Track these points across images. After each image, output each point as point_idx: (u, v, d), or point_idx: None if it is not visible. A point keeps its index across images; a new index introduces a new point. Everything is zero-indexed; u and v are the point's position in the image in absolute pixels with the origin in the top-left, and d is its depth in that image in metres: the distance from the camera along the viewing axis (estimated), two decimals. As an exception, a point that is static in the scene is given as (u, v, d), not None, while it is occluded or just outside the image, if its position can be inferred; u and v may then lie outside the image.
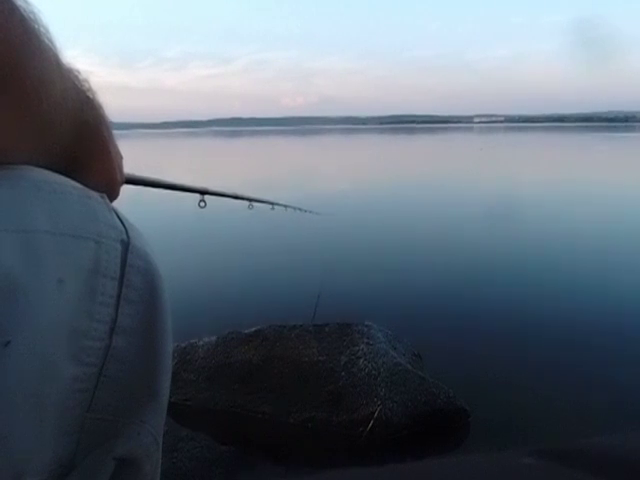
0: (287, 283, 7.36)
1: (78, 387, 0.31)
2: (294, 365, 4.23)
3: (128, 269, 0.34)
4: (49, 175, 0.34)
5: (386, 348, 4.32)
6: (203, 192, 1.88)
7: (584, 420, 3.82)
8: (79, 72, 0.40)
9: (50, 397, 0.30)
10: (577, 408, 4.07)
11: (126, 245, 0.35)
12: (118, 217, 0.36)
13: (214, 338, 4.66)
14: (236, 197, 2.54)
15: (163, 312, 0.37)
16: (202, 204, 1.84)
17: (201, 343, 4.66)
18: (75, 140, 0.38)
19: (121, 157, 0.46)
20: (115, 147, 0.43)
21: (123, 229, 0.35)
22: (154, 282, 0.36)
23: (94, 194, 0.36)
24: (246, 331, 4.62)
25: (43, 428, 0.30)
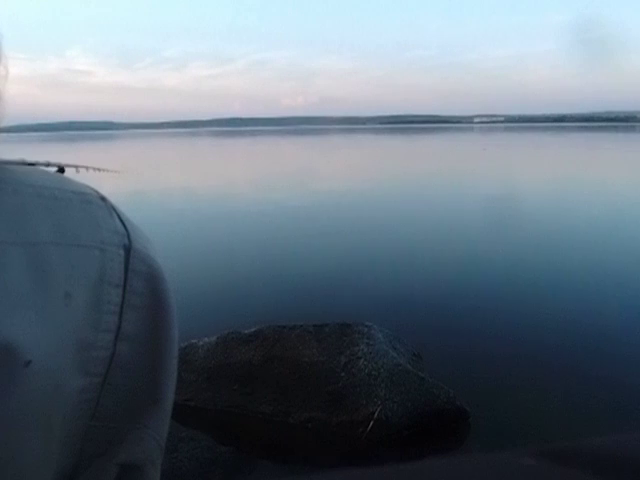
0: (287, 283, 7.36)
1: (84, 398, 0.31)
2: (294, 365, 4.23)
3: (130, 274, 0.34)
4: (47, 176, 0.34)
5: (386, 348, 4.32)
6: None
7: (584, 420, 3.82)
8: None
9: (59, 411, 0.30)
10: (577, 408, 4.06)
11: (128, 250, 0.34)
12: (120, 219, 0.36)
13: (214, 338, 4.66)
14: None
15: (167, 316, 0.37)
16: None
17: (201, 343, 4.66)
18: None
19: None
20: None
21: (125, 232, 0.35)
22: (157, 286, 0.36)
23: (94, 197, 0.35)
24: (246, 331, 4.62)
25: (50, 441, 0.30)
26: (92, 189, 0.36)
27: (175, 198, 16.74)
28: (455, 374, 4.45)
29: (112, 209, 0.36)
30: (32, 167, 0.34)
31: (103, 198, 0.36)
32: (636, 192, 16.72)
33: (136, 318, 0.34)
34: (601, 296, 6.75)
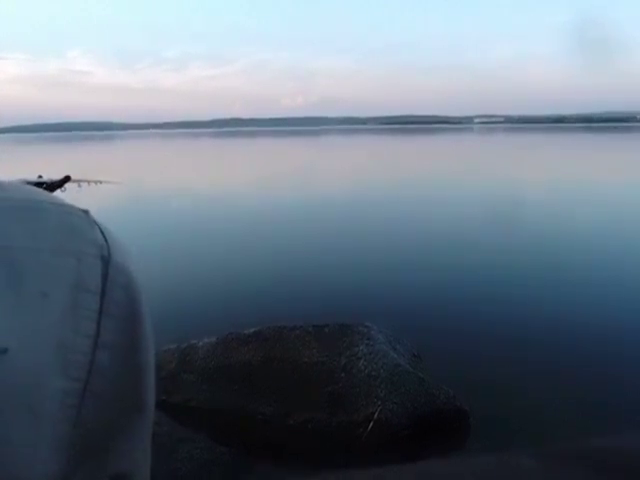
0: (287, 283, 7.36)
1: (67, 402, 0.31)
2: (294, 366, 4.23)
3: (109, 284, 0.34)
4: (27, 190, 0.34)
5: (386, 349, 4.32)
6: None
7: (584, 420, 3.82)
8: None
9: (44, 411, 0.30)
10: (577, 408, 4.06)
11: (107, 261, 0.35)
12: (101, 231, 0.36)
13: (214, 339, 4.66)
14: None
15: (144, 326, 0.37)
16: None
17: (201, 344, 4.66)
18: None
19: None
20: None
21: (105, 244, 0.35)
22: (135, 297, 0.36)
23: (75, 209, 0.36)
24: (246, 332, 4.61)
25: (39, 442, 0.30)
26: (73, 204, 0.37)
27: (174, 201, 16.75)
28: (455, 375, 4.44)
29: (93, 222, 0.36)
30: (8, 182, 0.35)
31: (85, 211, 0.36)
32: (634, 192, 16.72)
33: (115, 327, 0.34)
34: (601, 297, 6.76)
